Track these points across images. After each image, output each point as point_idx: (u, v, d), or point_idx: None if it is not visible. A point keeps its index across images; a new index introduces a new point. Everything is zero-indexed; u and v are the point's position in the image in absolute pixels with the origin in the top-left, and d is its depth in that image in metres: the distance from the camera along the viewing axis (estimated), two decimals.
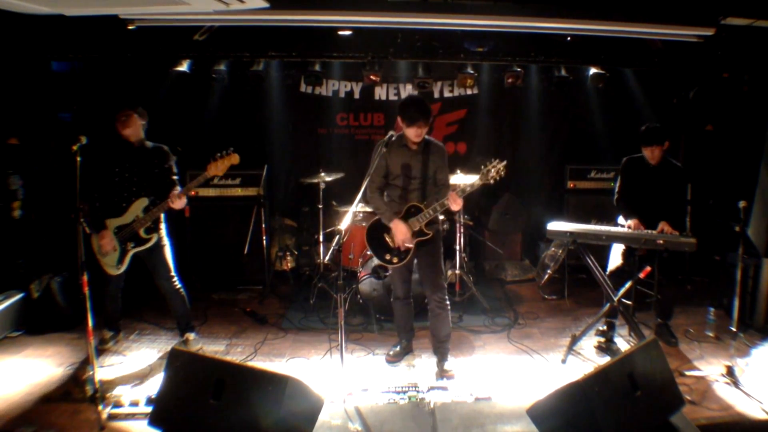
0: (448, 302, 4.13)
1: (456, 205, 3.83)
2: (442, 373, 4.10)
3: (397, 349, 4.40)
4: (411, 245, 3.99)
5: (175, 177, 4.36)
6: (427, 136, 4.00)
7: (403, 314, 4.35)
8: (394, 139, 3.96)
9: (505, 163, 3.84)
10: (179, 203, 4.14)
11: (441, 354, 4.20)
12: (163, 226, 4.41)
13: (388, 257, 4.09)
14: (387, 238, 4.08)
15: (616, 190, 4.66)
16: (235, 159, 4.19)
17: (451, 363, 4.18)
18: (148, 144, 4.36)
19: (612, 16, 4.39)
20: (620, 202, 4.60)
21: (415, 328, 4.93)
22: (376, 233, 4.14)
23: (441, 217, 4.27)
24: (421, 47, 5.32)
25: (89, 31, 4.96)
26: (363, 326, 5.06)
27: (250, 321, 5.23)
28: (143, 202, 4.27)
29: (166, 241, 4.43)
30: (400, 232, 3.95)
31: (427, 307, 4.22)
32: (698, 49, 4.95)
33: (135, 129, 4.26)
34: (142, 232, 4.26)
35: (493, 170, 3.82)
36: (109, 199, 4.25)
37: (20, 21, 4.41)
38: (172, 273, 4.43)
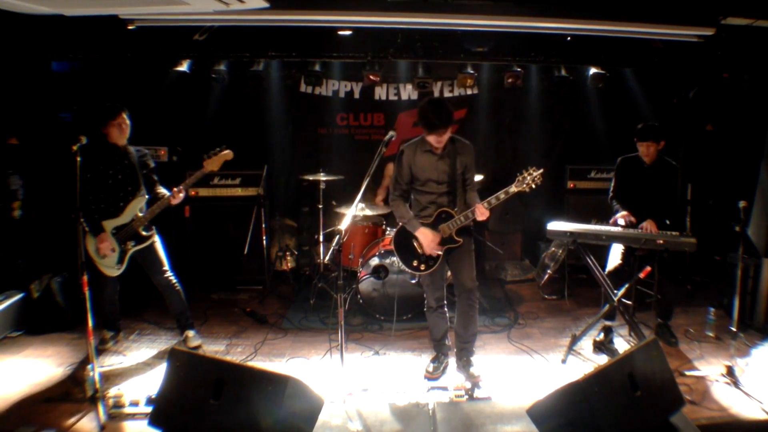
0: (477, 303, 4.01)
1: (482, 216, 3.69)
2: (469, 378, 3.95)
3: (436, 364, 4.14)
4: (440, 252, 3.87)
5: (155, 177, 4.45)
6: (452, 134, 3.83)
7: (438, 325, 4.15)
8: (416, 140, 3.86)
9: (542, 171, 3.72)
10: (179, 198, 4.24)
11: (466, 357, 4.06)
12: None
13: (415, 264, 3.96)
14: (415, 244, 3.93)
15: (611, 189, 4.69)
16: (228, 155, 4.31)
17: (478, 367, 4.03)
18: (130, 147, 4.38)
19: (612, 16, 4.39)
20: (613, 200, 4.64)
21: (414, 328, 4.95)
22: (403, 239, 3.99)
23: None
24: (421, 47, 5.33)
25: (89, 31, 4.96)
26: (363, 326, 5.06)
27: (250, 321, 5.23)
28: (140, 200, 4.29)
29: (156, 237, 4.46)
30: (427, 240, 3.81)
31: (423, 309, 4.22)
32: (698, 49, 4.95)
33: (127, 134, 4.30)
34: (141, 231, 4.28)
35: (528, 178, 3.70)
36: (105, 200, 4.25)
37: (20, 21, 4.41)
38: (166, 267, 4.45)
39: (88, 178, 4.14)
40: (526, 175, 3.71)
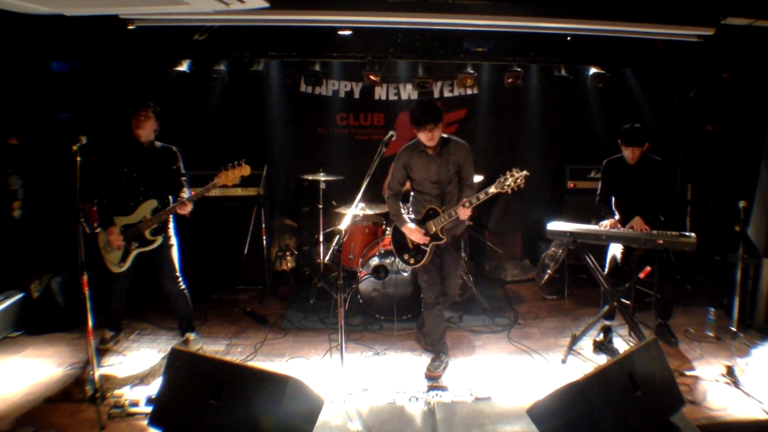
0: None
1: (464, 215, 3.81)
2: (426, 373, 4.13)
3: (436, 363, 4.15)
4: (427, 248, 4.02)
5: (183, 179, 4.38)
6: (447, 135, 3.99)
7: (437, 323, 4.20)
8: (413, 142, 3.98)
9: (525, 173, 3.66)
10: (186, 209, 4.19)
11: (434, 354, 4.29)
12: (171, 225, 4.42)
13: (406, 257, 4.17)
14: (407, 239, 4.12)
15: (598, 192, 4.70)
16: (246, 170, 4.24)
17: (436, 365, 4.15)
18: (157, 144, 4.37)
19: (612, 16, 4.39)
20: (600, 203, 4.65)
21: (414, 328, 4.95)
22: (398, 233, 4.20)
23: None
24: (421, 47, 5.32)
25: (89, 31, 4.95)
26: (363, 326, 5.06)
27: (250, 321, 5.23)
28: (152, 203, 4.27)
29: (173, 242, 4.43)
30: (411, 234, 4.03)
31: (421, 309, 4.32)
32: (698, 49, 4.95)
33: (149, 130, 4.27)
34: (147, 234, 4.26)
35: (510, 179, 3.66)
36: (117, 197, 4.25)
37: (20, 21, 4.40)
38: (177, 274, 4.42)
39: (101, 173, 4.18)
40: (508, 176, 3.69)
